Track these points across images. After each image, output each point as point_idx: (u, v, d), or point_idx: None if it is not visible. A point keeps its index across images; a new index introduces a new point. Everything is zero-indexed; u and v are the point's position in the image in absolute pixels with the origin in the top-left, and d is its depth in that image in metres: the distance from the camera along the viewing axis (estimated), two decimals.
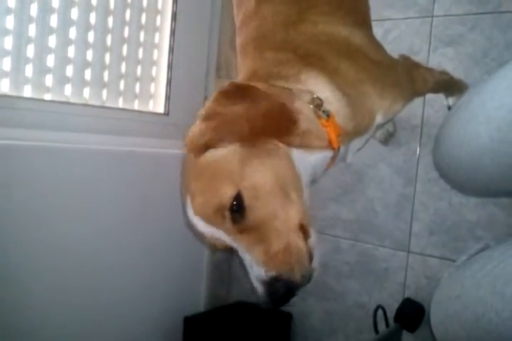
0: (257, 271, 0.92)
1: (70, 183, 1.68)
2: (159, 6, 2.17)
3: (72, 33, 1.83)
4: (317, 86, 1.07)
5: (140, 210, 1.93)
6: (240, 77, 1.18)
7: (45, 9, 1.74)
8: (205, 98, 2.40)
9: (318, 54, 1.12)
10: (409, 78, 1.34)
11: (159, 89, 2.20)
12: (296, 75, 1.07)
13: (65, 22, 1.80)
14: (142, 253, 1.95)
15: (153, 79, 2.18)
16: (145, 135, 2.04)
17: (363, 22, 1.32)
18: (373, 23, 1.41)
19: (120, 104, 2.03)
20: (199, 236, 1.00)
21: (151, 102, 2.18)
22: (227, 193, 0.90)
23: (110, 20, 1.95)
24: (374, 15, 1.42)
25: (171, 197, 2.01)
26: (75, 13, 1.83)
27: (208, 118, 0.94)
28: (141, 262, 1.95)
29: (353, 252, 2.08)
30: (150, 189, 1.95)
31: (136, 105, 2.11)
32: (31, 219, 1.58)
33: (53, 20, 1.77)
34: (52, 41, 1.77)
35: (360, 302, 2.06)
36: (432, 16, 1.92)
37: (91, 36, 1.89)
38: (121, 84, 2.02)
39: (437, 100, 1.80)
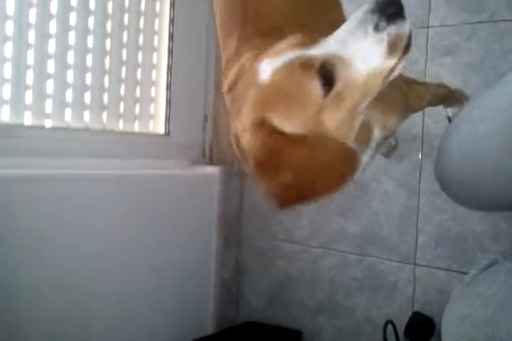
0: None
1: (74, 209, 1.68)
2: (156, 27, 2.18)
3: (70, 57, 1.83)
4: None
5: (145, 232, 1.92)
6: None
7: (43, 35, 1.75)
8: (205, 116, 2.41)
9: None
10: (402, 94, 1.33)
11: (159, 109, 2.21)
12: None
13: (63, 47, 1.81)
14: (148, 276, 1.94)
15: (152, 100, 2.19)
16: (147, 156, 2.04)
17: None
18: None
19: (121, 125, 2.03)
20: None
21: (151, 123, 2.19)
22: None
23: (108, 42, 1.96)
24: None
25: (175, 217, 2.02)
26: (72, 38, 1.84)
27: None
28: (147, 284, 1.94)
29: (360, 267, 2.07)
30: (154, 210, 1.95)
31: (136, 126, 2.11)
32: (35, 247, 1.58)
33: (51, 46, 1.77)
34: (50, 66, 1.78)
35: (369, 318, 2.05)
36: (428, 27, 1.93)
37: (89, 59, 1.90)
38: (121, 106, 2.03)
39: (436, 111, 1.79)
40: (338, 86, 0.91)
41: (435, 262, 1.90)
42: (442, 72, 1.89)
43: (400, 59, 0.92)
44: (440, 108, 1.74)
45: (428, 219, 1.92)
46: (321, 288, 2.16)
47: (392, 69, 0.93)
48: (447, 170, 1.28)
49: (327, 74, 0.90)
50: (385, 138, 1.29)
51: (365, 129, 1.15)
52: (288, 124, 0.92)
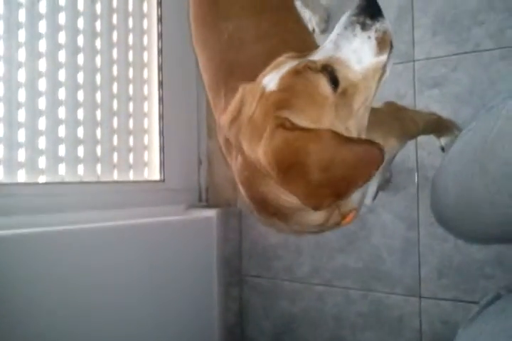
0: None
1: (73, 265, 1.66)
2: (145, 76, 2.21)
3: (62, 112, 1.85)
4: None
5: (146, 280, 1.90)
6: None
7: (33, 93, 1.76)
8: (199, 160, 2.42)
9: None
10: (397, 119, 1.36)
11: (153, 156, 2.22)
12: None
13: (54, 103, 1.83)
14: (151, 322, 1.92)
15: (145, 148, 2.20)
16: (144, 204, 2.04)
17: None
18: None
19: (115, 176, 2.04)
20: None
21: (145, 170, 2.20)
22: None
23: (98, 95, 1.98)
24: None
25: (175, 263, 2.01)
26: (62, 93, 1.86)
27: None
28: (150, 331, 1.92)
29: (365, 302, 2.05)
30: (154, 258, 1.94)
31: (131, 175, 2.12)
32: (36, 305, 1.56)
33: (41, 103, 1.79)
34: (42, 122, 1.79)
35: None
36: (414, 61, 1.95)
37: (80, 112, 1.91)
38: (115, 156, 2.04)
39: (430, 142, 1.81)
40: (342, 84, 0.95)
41: (440, 293, 1.89)
42: (432, 105, 1.90)
43: (389, 55, 0.98)
44: (433, 139, 1.75)
45: (429, 250, 1.91)
46: (326, 326, 2.14)
47: (384, 67, 0.99)
48: (443, 204, 1.28)
49: (330, 74, 0.95)
50: (389, 164, 1.30)
51: None
52: (304, 122, 0.93)
